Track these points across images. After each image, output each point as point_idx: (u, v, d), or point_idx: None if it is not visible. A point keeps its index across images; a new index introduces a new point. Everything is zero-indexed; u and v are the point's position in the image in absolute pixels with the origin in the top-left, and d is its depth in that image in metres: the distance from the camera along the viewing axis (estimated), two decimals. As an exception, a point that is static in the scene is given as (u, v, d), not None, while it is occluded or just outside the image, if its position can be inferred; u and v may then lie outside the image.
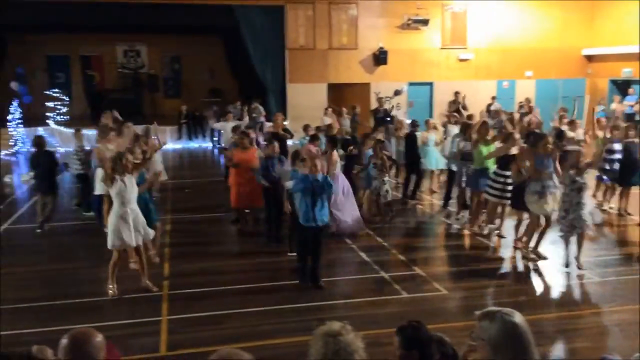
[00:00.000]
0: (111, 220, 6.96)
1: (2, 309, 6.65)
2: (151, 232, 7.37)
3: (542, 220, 8.25)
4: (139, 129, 11.74)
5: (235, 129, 11.70)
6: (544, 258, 8.25)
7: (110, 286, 7.02)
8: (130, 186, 6.94)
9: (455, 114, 15.45)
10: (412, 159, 12.04)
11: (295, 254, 8.15)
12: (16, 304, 6.81)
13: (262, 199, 9.30)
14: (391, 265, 8.19)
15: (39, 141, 10.22)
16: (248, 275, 7.85)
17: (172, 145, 20.37)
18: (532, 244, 8.40)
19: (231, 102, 21.65)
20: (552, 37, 23.43)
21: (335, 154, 9.84)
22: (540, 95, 23.14)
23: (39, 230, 9.90)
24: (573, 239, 7.81)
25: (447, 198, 11.37)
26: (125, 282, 7.16)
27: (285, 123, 14.85)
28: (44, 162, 9.89)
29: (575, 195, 7.64)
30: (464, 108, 17.47)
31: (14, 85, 20.45)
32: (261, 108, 20.05)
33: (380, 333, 5.66)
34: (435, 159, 12.49)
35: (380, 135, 11.69)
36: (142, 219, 7.10)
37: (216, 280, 7.60)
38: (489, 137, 9.63)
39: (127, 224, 6.85)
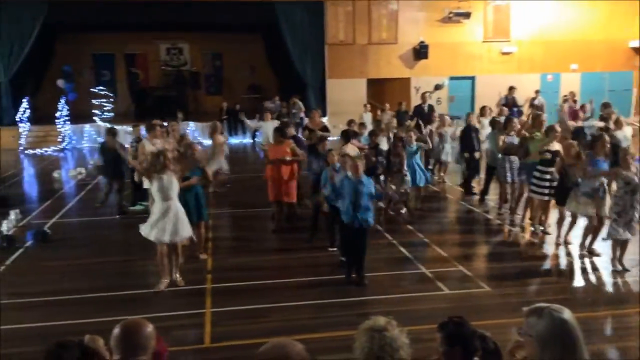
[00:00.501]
0: (152, 213, 7.09)
1: (51, 300, 6.90)
2: (188, 232, 7.33)
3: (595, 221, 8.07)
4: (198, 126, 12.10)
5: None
6: (598, 255, 8.07)
7: (163, 281, 7.15)
8: (169, 183, 6.95)
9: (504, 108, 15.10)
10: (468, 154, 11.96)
11: (335, 249, 8.33)
12: (64, 295, 7.03)
13: (295, 194, 9.52)
14: (432, 261, 8.13)
15: (110, 131, 11.30)
16: (289, 269, 7.92)
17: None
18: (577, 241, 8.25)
19: (271, 98, 21.82)
20: (597, 29, 22.83)
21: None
22: (585, 89, 22.59)
23: (118, 216, 10.73)
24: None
25: (484, 192, 11.30)
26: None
27: (323, 119, 14.82)
28: (112, 150, 10.81)
29: (629, 197, 7.39)
30: (515, 103, 17.04)
31: (60, 82, 21.03)
32: (300, 104, 20.12)
33: (422, 329, 5.64)
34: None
35: (403, 132, 11.55)
36: (182, 216, 7.10)
37: (258, 275, 7.68)
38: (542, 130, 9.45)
39: (165, 219, 6.90)
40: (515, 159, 9.97)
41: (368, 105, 17.99)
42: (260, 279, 7.51)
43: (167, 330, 5.61)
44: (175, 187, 7.05)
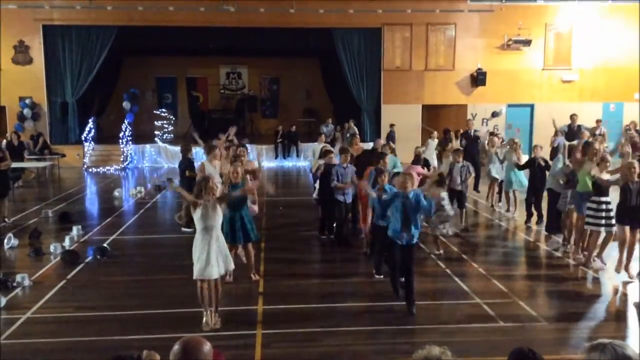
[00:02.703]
0: (195, 249, 6.60)
1: (109, 315, 7.10)
2: (231, 264, 6.91)
3: None
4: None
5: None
6: None
7: (205, 318, 6.67)
8: (213, 212, 6.52)
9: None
10: (534, 182, 11.58)
11: (381, 276, 8.33)
12: (122, 311, 7.21)
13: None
14: (488, 292, 7.95)
15: (184, 148, 11.79)
16: (341, 294, 7.90)
17: (267, 163, 20.97)
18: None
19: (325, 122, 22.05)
20: (664, 57, 22.08)
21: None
22: (651, 119, 21.78)
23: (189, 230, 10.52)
24: None
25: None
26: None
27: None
28: (186, 166, 11.26)
29: None
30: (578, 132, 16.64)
31: (125, 105, 21.84)
32: (355, 128, 20.24)
33: (476, 361, 5.54)
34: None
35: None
36: (224, 249, 6.72)
37: (309, 298, 7.69)
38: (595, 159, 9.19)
39: (209, 253, 6.49)
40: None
41: (435, 132, 17.68)
42: (312, 303, 7.52)
43: (218, 350, 5.69)
44: (219, 217, 6.63)
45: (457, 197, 11.12)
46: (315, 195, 11.62)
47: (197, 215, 6.52)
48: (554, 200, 10.53)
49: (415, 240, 7.17)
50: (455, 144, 14.58)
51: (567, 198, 9.82)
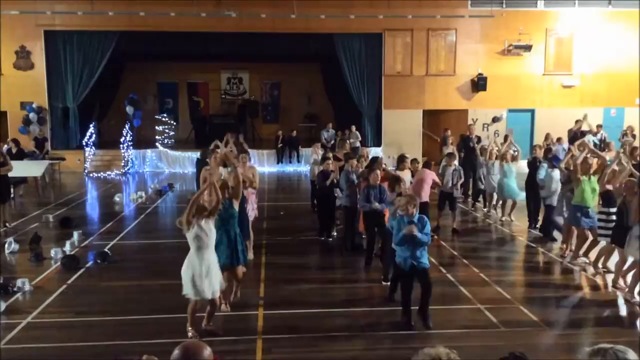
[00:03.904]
0: (185, 268, 6.36)
1: (109, 320, 7.09)
2: (222, 284, 6.62)
3: None
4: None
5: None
6: None
7: (190, 330, 6.48)
8: (209, 231, 6.32)
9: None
10: (531, 187, 11.58)
11: (388, 282, 8.09)
12: (122, 316, 7.21)
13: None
14: (488, 298, 7.93)
15: (205, 153, 11.85)
16: (343, 300, 7.88)
17: (268, 168, 20.98)
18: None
19: (325, 127, 22.09)
20: (665, 63, 22.10)
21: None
22: (651, 124, 21.80)
23: None
24: None
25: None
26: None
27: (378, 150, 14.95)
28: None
29: None
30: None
31: (129, 110, 21.87)
32: (357, 133, 20.29)
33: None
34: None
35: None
36: (216, 270, 6.44)
37: (310, 304, 7.67)
38: (591, 172, 9.18)
39: (201, 273, 6.26)
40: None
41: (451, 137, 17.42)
42: (313, 308, 7.50)
43: (219, 355, 5.67)
44: (213, 236, 6.43)
45: (448, 199, 11.31)
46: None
47: (190, 235, 6.29)
48: (549, 209, 10.69)
49: (424, 263, 6.75)
50: (451, 147, 14.62)
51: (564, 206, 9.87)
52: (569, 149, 10.97)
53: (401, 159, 10.50)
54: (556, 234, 10.72)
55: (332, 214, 11.05)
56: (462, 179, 12.14)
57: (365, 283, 8.59)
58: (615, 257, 8.50)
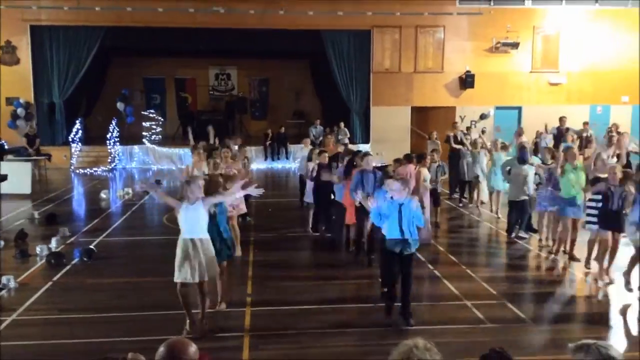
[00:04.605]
0: (177, 251, 6.40)
1: (95, 317, 7.05)
2: (216, 270, 6.64)
3: None
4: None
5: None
6: None
7: (187, 324, 6.48)
8: (195, 214, 6.30)
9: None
10: None
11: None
12: (108, 313, 7.18)
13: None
14: (475, 294, 7.97)
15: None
16: (330, 296, 7.89)
17: (257, 165, 20.94)
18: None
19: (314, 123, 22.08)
20: (651, 61, 22.31)
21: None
22: (636, 122, 22.02)
23: None
24: None
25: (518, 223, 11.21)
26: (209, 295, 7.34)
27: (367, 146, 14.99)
28: None
29: None
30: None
31: (120, 105, 21.71)
32: (346, 130, 20.31)
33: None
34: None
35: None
36: (211, 253, 6.46)
37: (297, 300, 7.67)
38: (576, 163, 9.29)
39: (189, 256, 6.28)
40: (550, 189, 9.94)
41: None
42: (300, 305, 7.51)
43: (205, 352, 5.66)
44: (203, 219, 6.41)
45: (432, 195, 11.39)
46: (306, 199, 11.59)
47: (180, 217, 6.37)
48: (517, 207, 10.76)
49: (412, 249, 6.80)
50: (435, 144, 14.81)
51: (543, 199, 9.96)
52: (548, 147, 11.10)
53: (421, 156, 10.88)
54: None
55: (329, 207, 10.82)
56: (446, 175, 12.24)
57: (354, 280, 8.60)
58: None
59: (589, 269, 8.86)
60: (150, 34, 20.97)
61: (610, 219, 8.17)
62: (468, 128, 16.12)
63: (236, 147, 12.90)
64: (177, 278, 6.34)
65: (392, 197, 6.87)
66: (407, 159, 10.59)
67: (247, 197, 11.67)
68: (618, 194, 8.06)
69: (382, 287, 7.44)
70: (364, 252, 9.30)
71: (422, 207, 8.94)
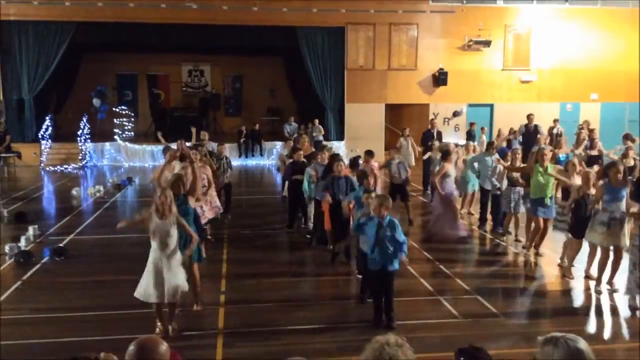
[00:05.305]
0: (147, 266, 6.23)
1: (66, 317, 6.95)
2: (180, 291, 6.26)
3: (611, 252, 7.92)
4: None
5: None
6: (616, 290, 7.86)
7: (158, 326, 6.42)
8: (164, 228, 6.10)
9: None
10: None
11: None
12: (80, 312, 7.08)
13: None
14: (448, 290, 8.05)
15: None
16: (304, 293, 7.91)
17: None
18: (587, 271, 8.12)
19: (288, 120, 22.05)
20: (618, 59, 22.80)
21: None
22: (605, 119, 22.48)
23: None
24: None
25: (484, 219, 11.60)
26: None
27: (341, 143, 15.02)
28: None
29: None
30: (535, 132, 16.96)
31: (96, 102, 21.37)
32: (320, 127, 20.31)
33: (436, 357, 5.60)
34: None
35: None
36: (176, 273, 6.21)
37: (272, 297, 7.66)
38: (546, 165, 9.38)
39: (154, 273, 6.12)
40: (519, 189, 10.15)
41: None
42: (275, 301, 7.50)
43: (179, 350, 5.61)
44: (173, 236, 6.19)
45: (399, 192, 11.53)
46: (284, 193, 11.72)
47: (150, 229, 6.16)
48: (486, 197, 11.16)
49: (392, 268, 6.58)
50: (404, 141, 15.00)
51: (512, 198, 10.12)
52: (514, 149, 11.26)
53: (447, 153, 11.00)
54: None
55: (303, 204, 10.84)
56: (408, 171, 12.24)
57: (330, 276, 8.60)
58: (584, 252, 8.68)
59: (560, 266, 9.01)
60: (122, 29, 20.69)
61: (585, 227, 8.05)
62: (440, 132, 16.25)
63: (214, 145, 12.89)
64: (139, 296, 6.22)
65: (371, 214, 6.70)
66: (369, 154, 10.61)
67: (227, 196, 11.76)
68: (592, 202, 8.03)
69: (361, 292, 7.48)
70: (342, 255, 9.28)
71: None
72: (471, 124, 19.70)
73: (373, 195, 7.40)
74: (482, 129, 18.87)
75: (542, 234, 9.53)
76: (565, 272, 8.56)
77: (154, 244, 6.19)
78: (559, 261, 9.09)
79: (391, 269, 6.57)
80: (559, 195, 11.08)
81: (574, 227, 8.33)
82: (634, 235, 7.33)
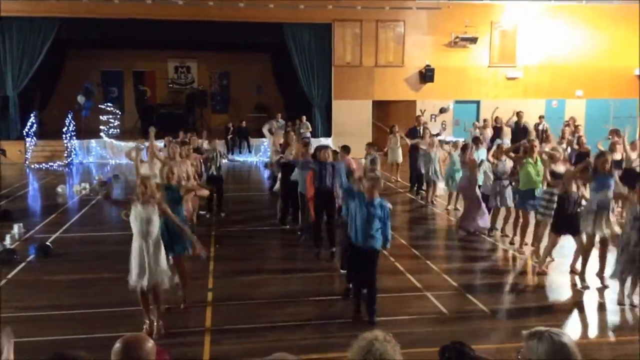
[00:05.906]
0: (131, 255, 6.28)
1: (51, 315, 6.89)
2: (167, 278, 6.36)
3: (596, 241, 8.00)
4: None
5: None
6: (606, 286, 7.88)
7: (146, 323, 6.41)
8: (146, 216, 6.12)
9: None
10: None
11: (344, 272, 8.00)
12: (65, 310, 7.02)
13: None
14: (434, 284, 8.09)
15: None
16: (292, 290, 7.89)
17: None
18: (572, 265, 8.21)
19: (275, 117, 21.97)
20: (604, 56, 22.95)
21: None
22: (590, 116, 22.66)
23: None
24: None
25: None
26: (168, 292, 7.24)
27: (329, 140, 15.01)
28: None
29: (635, 234, 6.99)
30: (524, 129, 17.04)
31: (80, 99, 21.16)
32: (308, 123, 20.28)
33: (423, 352, 5.63)
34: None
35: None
36: (160, 258, 6.29)
37: (260, 294, 7.64)
38: (536, 156, 9.47)
39: (138, 260, 6.18)
40: (505, 182, 10.20)
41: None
42: (263, 298, 7.48)
43: (166, 348, 5.59)
44: (155, 224, 6.21)
45: None
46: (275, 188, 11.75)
47: (131, 217, 6.18)
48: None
49: (376, 245, 6.67)
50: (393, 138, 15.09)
51: (498, 191, 10.17)
52: (499, 145, 11.37)
53: (465, 147, 11.13)
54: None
55: (295, 200, 10.72)
56: (377, 166, 12.25)
57: (318, 272, 8.61)
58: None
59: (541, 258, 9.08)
60: (107, 25, 20.52)
61: (566, 224, 8.10)
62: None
63: (206, 142, 12.85)
64: (134, 284, 6.26)
65: (360, 192, 6.79)
66: (345, 150, 10.60)
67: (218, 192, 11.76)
68: (574, 200, 8.04)
69: (347, 282, 7.52)
70: (326, 246, 9.29)
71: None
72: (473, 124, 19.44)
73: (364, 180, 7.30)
74: (474, 124, 18.85)
75: (523, 224, 9.61)
76: (539, 266, 8.60)
77: (135, 232, 6.17)
78: (549, 258, 9.15)
79: (374, 247, 6.64)
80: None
81: (554, 223, 8.35)
82: (624, 219, 7.41)
